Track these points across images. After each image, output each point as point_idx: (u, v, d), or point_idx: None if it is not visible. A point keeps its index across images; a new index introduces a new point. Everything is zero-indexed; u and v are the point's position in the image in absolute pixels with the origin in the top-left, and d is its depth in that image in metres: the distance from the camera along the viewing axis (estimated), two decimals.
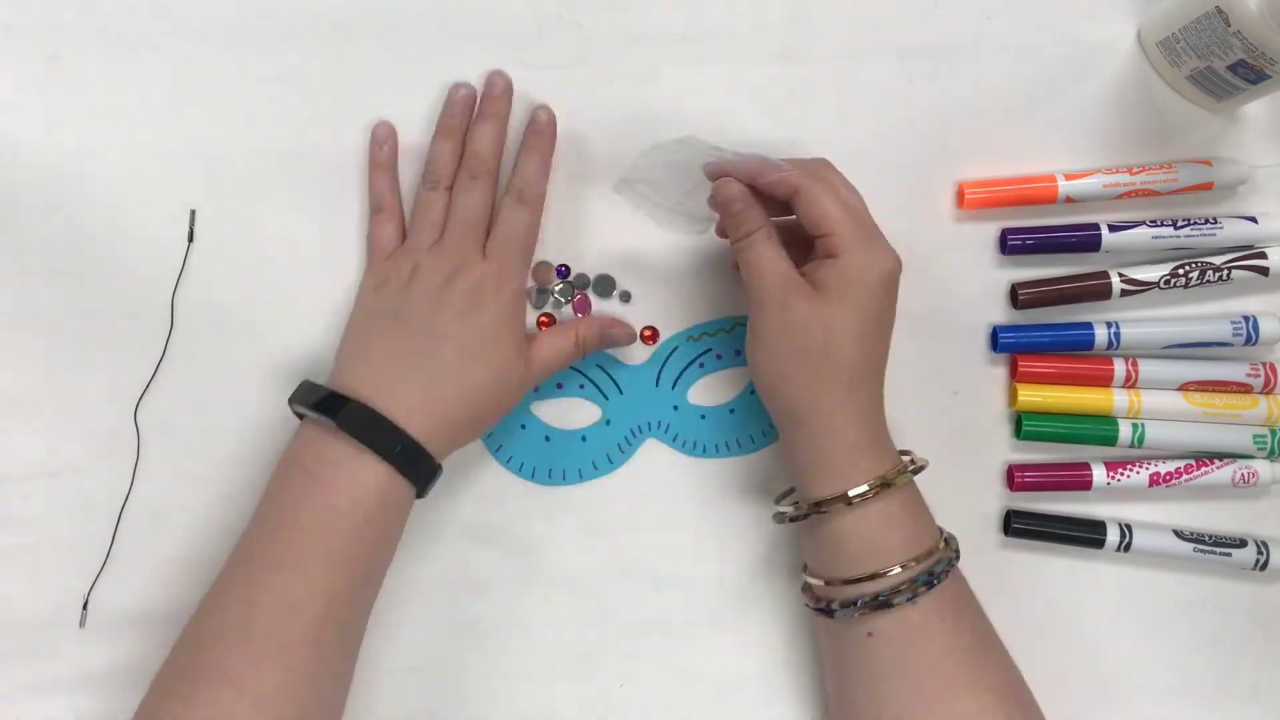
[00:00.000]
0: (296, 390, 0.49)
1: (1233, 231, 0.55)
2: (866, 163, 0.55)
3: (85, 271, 0.54)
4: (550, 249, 0.55)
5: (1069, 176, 0.55)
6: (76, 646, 0.53)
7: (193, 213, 0.54)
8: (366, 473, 0.46)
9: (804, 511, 0.48)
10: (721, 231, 0.52)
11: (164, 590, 0.54)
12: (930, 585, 0.46)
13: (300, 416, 0.49)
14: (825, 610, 0.48)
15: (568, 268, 0.56)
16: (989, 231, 0.56)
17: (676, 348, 0.56)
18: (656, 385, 0.56)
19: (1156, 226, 0.55)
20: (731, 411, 0.56)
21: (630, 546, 0.56)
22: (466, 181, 0.52)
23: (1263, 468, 0.55)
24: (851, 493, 0.46)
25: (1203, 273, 0.54)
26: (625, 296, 0.56)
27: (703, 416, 0.56)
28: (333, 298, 0.54)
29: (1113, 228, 0.55)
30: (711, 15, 0.55)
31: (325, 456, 0.47)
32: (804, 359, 0.46)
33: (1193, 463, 0.55)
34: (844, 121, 0.56)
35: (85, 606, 0.53)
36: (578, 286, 0.55)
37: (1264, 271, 0.55)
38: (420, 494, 0.49)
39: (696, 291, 0.56)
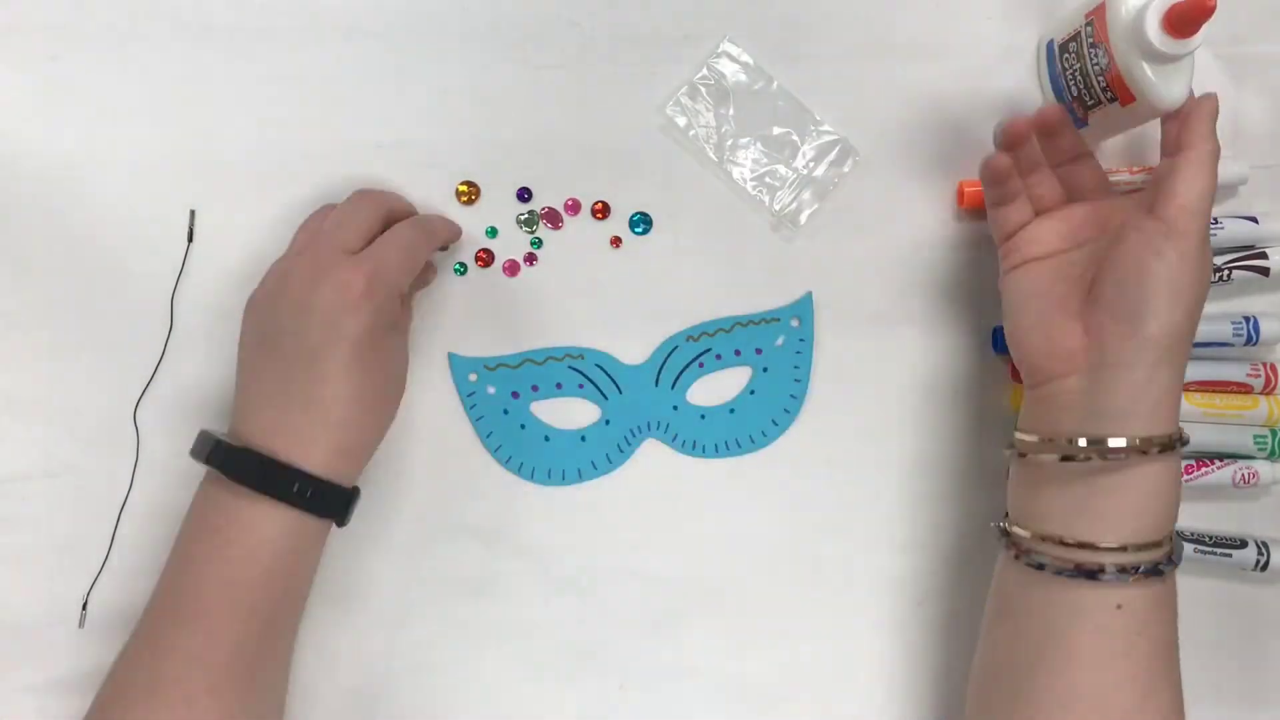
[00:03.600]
0: (195, 441, 0.47)
1: (1233, 231, 0.55)
2: (867, 162, 0.56)
3: (85, 271, 0.54)
4: None
5: None
6: (76, 646, 0.53)
7: (192, 213, 0.54)
8: (268, 522, 0.45)
9: (1096, 448, 0.43)
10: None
11: None
12: (1172, 564, 0.44)
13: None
14: (1089, 574, 0.43)
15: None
16: (989, 231, 0.56)
17: (676, 347, 0.56)
18: (656, 385, 0.56)
19: None
20: (731, 411, 0.56)
21: (630, 546, 0.56)
22: (358, 195, 0.51)
23: (1263, 468, 0.55)
24: (1156, 435, 0.42)
25: None
26: None
27: (702, 416, 0.56)
28: None
29: None
30: (711, 15, 0.55)
31: (225, 508, 0.45)
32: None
33: (1193, 463, 0.55)
34: (845, 121, 0.56)
35: (85, 606, 0.53)
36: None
37: (1264, 271, 0.54)
38: (340, 523, 0.47)
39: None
